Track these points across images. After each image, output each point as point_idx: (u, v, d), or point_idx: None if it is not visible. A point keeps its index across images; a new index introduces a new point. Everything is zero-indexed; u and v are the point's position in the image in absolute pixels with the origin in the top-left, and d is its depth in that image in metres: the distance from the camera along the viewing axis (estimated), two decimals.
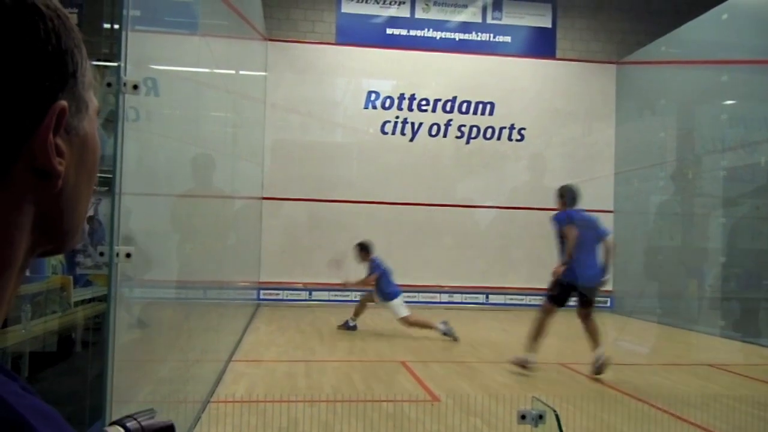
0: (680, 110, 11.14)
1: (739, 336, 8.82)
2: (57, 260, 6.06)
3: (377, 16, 12.10)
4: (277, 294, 11.31)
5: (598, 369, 6.01)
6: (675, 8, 11.85)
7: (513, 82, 12.21)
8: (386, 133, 11.93)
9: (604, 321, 11.17)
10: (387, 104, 11.95)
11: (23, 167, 0.53)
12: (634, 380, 6.23)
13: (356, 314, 8.69)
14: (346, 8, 12.05)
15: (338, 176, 11.76)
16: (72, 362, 5.35)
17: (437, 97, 12.05)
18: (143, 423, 0.81)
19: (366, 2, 12.07)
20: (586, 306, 6.20)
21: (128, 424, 0.80)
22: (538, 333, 6.27)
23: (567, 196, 6.29)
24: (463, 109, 12.10)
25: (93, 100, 0.60)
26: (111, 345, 2.53)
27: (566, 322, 10.47)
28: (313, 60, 11.83)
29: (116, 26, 2.64)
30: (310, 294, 11.39)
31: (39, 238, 0.57)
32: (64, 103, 0.54)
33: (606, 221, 12.14)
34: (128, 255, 2.54)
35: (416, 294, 11.33)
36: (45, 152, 0.53)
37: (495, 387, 5.69)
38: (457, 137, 12.08)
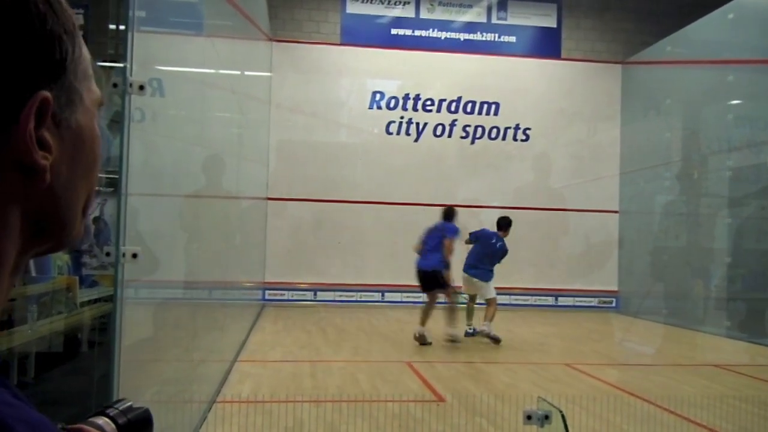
0: (686, 110, 11.10)
1: (744, 336, 8.78)
2: (63, 261, 6.08)
3: (382, 16, 12.09)
4: (282, 294, 11.32)
5: None
6: (680, 8, 11.80)
7: (518, 82, 12.19)
8: (391, 134, 11.93)
9: (609, 321, 11.21)
10: (392, 104, 11.95)
11: (6, 163, 0.49)
12: (639, 381, 6.22)
13: None
14: (351, 8, 12.05)
15: (343, 176, 11.75)
16: (78, 362, 5.37)
17: (442, 97, 12.04)
18: (121, 408, 0.79)
19: (371, 2, 12.07)
20: None
21: (107, 412, 0.79)
22: None
23: None
24: (468, 109, 12.09)
25: (92, 90, 0.57)
26: (117, 345, 2.53)
27: (570, 323, 10.49)
28: (317, 60, 11.83)
29: (122, 27, 2.65)
30: (315, 294, 11.40)
31: (33, 237, 0.53)
32: (45, 93, 0.50)
33: (611, 221, 12.23)
34: (134, 255, 2.55)
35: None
36: (25, 146, 0.49)
37: (500, 387, 5.68)
38: (462, 137, 12.07)
